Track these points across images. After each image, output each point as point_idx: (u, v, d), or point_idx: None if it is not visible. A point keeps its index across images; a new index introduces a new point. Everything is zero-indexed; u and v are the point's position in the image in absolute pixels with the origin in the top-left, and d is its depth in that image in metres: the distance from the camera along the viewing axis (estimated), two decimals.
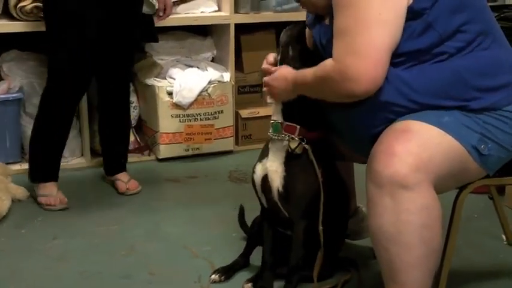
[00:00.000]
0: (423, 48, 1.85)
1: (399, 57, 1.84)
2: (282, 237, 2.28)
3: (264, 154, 2.22)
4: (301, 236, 2.18)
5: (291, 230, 2.23)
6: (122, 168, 3.23)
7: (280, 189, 2.16)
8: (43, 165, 3.05)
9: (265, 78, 2.16)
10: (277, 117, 2.18)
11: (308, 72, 1.98)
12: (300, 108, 2.13)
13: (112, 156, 3.25)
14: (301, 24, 2.19)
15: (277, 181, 2.16)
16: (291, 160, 2.15)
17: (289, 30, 2.17)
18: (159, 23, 3.49)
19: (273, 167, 2.17)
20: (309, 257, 2.21)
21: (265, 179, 2.19)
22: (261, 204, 2.28)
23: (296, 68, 2.08)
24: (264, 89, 2.17)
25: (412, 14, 1.81)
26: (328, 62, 1.87)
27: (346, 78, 1.80)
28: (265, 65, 2.21)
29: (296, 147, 2.13)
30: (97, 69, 3.01)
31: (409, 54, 1.85)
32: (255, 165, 2.25)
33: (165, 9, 3.20)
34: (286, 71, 2.09)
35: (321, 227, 2.13)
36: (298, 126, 2.14)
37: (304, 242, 2.20)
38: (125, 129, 3.26)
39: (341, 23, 1.83)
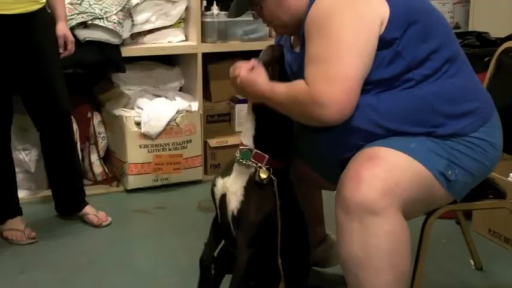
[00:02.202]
0: (392, 76, 1.87)
1: (368, 85, 1.86)
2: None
3: (227, 170, 2.18)
4: (243, 264, 2.13)
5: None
6: (85, 202, 3.18)
7: (235, 212, 2.12)
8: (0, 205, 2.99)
9: (240, 73, 1.99)
10: (248, 143, 2.16)
11: (279, 90, 1.93)
12: (271, 138, 2.13)
13: (71, 194, 3.16)
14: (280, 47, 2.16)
15: (233, 204, 2.13)
16: (252, 186, 2.12)
17: (272, 50, 2.11)
18: (125, 53, 3.49)
19: (233, 188, 2.14)
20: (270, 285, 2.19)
21: (223, 197, 2.17)
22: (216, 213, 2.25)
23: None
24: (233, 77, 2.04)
25: (383, 43, 1.84)
26: (300, 84, 1.86)
27: (317, 103, 1.80)
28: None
29: (265, 178, 2.11)
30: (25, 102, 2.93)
31: (378, 82, 1.87)
32: (215, 177, 2.21)
33: (66, 45, 2.95)
34: (259, 80, 1.97)
35: (279, 260, 2.11)
36: (266, 156, 2.13)
37: (254, 270, 2.17)
38: (73, 165, 3.13)
39: (314, 51, 1.84)
